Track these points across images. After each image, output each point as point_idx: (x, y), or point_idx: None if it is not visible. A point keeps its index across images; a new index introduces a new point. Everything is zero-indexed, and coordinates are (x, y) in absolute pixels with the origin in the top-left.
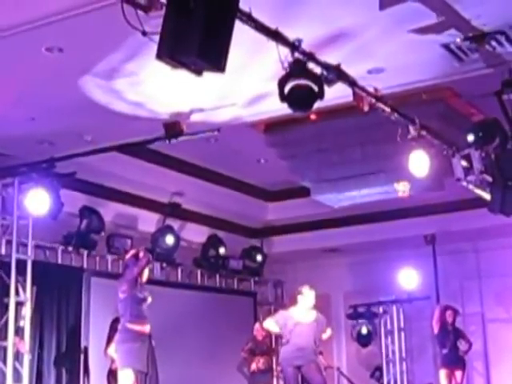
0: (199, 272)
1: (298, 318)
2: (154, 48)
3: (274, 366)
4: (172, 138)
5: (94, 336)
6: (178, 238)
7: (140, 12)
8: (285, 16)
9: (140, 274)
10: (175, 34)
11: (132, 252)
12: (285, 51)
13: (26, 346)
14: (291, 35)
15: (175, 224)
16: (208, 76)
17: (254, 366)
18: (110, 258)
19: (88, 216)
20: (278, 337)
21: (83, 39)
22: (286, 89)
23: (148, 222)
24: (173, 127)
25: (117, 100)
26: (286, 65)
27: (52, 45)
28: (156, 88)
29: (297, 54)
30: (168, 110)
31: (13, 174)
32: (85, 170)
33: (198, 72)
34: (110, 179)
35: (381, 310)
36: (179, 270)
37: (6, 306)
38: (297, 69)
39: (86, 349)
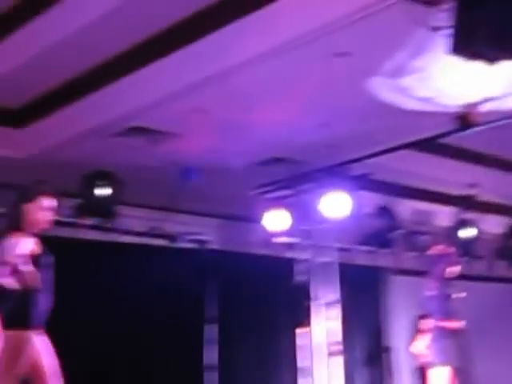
0: (500, 264)
1: None
2: (443, 42)
3: None
4: (465, 130)
5: (396, 335)
6: (476, 231)
7: (426, 7)
8: None
9: (447, 269)
10: (469, 24)
11: (436, 248)
12: None
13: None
14: None
15: (472, 216)
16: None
17: None
18: (408, 255)
19: (384, 215)
20: None
21: (370, 41)
22: None
23: (444, 216)
24: (465, 118)
25: (405, 97)
26: None
27: (340, 49)
28: (446, 81)
29: None
30: (459, 101)
31: (310, 180)
32: (378, 170)
33: (492, 61)
34: (404, 177)
35: None
36: (479, 263)
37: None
38: None
39: (388, 348)
